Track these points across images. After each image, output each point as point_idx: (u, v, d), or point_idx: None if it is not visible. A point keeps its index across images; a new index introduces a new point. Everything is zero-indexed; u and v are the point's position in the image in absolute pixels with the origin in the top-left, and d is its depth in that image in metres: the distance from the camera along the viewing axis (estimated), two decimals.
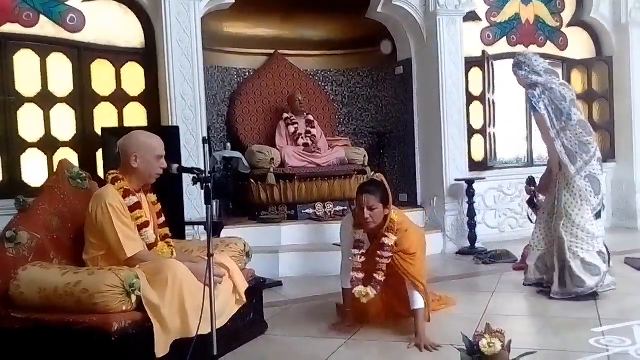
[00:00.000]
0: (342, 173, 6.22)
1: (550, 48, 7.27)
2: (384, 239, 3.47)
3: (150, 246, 3.12)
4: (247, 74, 6.92)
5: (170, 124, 5.14)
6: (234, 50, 6.82)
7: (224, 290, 3.13)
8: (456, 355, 2.64)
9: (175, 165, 3.06)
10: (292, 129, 6.49)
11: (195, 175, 2.74)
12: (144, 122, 5.38)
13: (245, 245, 3.66)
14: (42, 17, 5.01)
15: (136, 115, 5.42)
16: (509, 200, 6.88)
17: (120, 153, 3.16)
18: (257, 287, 3.70)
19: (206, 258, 2.69)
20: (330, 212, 6.04)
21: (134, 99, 5.43)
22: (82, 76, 5.20)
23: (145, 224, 3.10)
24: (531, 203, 5.24)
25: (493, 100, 6.72)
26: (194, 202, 5.14)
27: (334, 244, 5.27)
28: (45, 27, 5.04)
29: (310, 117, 6.63)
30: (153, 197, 3.31)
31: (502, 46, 6.99)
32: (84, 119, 5.21)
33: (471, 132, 6.60)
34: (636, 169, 7.24)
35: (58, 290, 2.76)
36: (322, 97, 7.08)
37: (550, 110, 4.15)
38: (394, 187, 6.93)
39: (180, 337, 2.79)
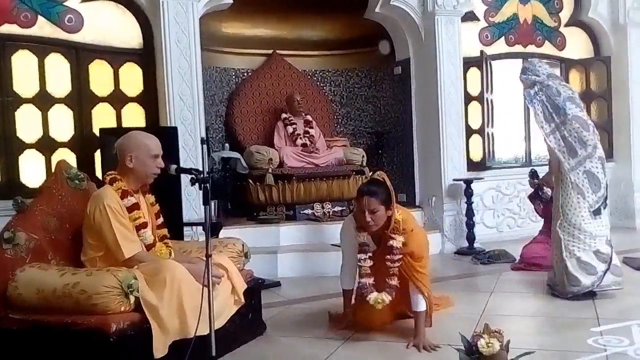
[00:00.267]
0: (341, 173, 6.23)
1: (548, 48, 7.27)
2: (391, 241, 3.35)
3: (149, 247, 3.12)
4: (246, 74, 6.93)
5: (168, 125, 5.13)
6: (232, 50, 6.82)
7: (222, 290, 3.13)
8: (455, 355, 2.64)
9: (174, 166, 3.06)
10: (290, 129, 6.49)
11: (193, 176, 2.74)
12: (142, 123, 5.37)
13: (243, 246, 3.66)
14: (40, 18, 5.00)
15: (134, 115, 5.42)
16: (507, 200, 6.88)
17: (117, 154, 3.16)
18: (256, 288, 3.70)
19: (204, 259, 2.68)
20: (328, 212, 6.04)
21: (132, 99, 5.43)
22: (80, 77, 5.19)
23: (144, 225, 3.10)
24: (536, 196, 5.25)
25: (491, 100, 6.73)
26: (192, 202, 5.14)
27: (332, 245, 5.27)
28: (43, 28, 5.03)
29: (309, 118, 6.63)
30: (151, 198, 3.31)
31: (500, 46, 7.00)
32: (82, 120, 5.21)
33: (469, 132, 6.60)
34: (634, 169, 7.25)
35: (56, 291, 2.76)
36: (321, 97, 7.08)
37: (548, 106, 4.21)
38: (393, 187, 6.95)
39: (179, 337, 2.79)
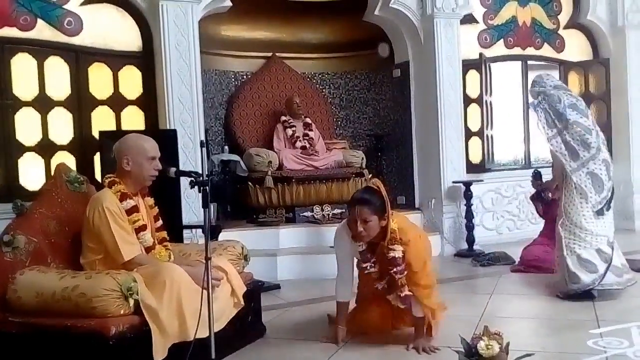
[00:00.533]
0: (340, 176, 6.22)
1: (547, 50, 7.29)
2: (391, 252, 3.23)
3: (148, 249, 3.13)
4: (245, 77, 6.93)
5: (167, 128, 5.13)
6: (231, 53, 6.82)
7: (222, 293, 3.13)
8: (454, 357, 2.65)
9: (173, 169, 3.07)
10: (289, 131, 6.49)
11: (192, 179, 2.74)
12: (141, 126, 5.37)
13: (243, 248, 3.66)
14: (39, 21, 5.00)
15: (134, 118, 5.42)
16: (507, 202, 6.89)
17: (115, 157, 3.16)
18: (255, 290, 3.70)
19: (204, 261, 2.69)
20: (328, 214, 6.04)
21: (131, 102, 5.42)
22: (79, 80, 5.19)
23: (143, 228, 3.10)
24: (538, 197, 5.25)
25: (490, 103, 6.74)
26: (192, 205, 5.13)
27: (331, 247, 5.25)
28: (42, 31, 5.03)
29: (308, 120, 6.63)
30: (150, 201, 3.31)
31: (499, 49, 7.00)
32: (82, 123, 5.20)
33: (468, 134, 6.61)
34: (633, 170, 7.26)
35: (56, 294, 2.76)
36: (320, 99, 7.09)
37: (550, 113, 4.34)
38: (392, 190, 6.96)
39: (178, 340, 2.79)
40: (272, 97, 6.83)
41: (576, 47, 7.47)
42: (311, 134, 6.54)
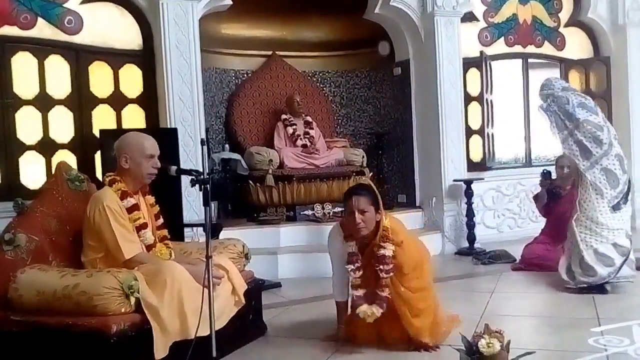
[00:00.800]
0: (341, 174, 6.22)
1: (547, 48, 7.28)
2: (381, 250, 3.18)
3: (149, 247, 3.13)
4: (245, 75, 6.93)
5: (168, 126, 5.13)
6: (232, 51, 6.82)
7: (222, 291, 3.13)
8: (455, 355, 2.65)
9: (174, 167, 3.07)
10: (290, 130, 6.49)
11: (193, 177, 2.75)
12: (142, 124, 5.37)
13: (244, 247, 3.66)
14: (39, 20, 5.00)
15: (134, 117, 5.42)
16: (508, 201, 6.88)
17: (115, 155, 3.16)
18: (256, 289, 3.70)
19: (205, 260, 2.69)
20: (329, 213, 6.03)
21: (132, 101, 5.42)
22: (80, 78, 5.19)
23: (144, 226, 3.10)
24: (550, 194, 5.25)
25: (491, 101, 6.74)
26: (193, 203, 5.14)
27: None
28: (43, 30, 5.03)
29: (309, 119, 6.63)
30: (151, 199, 3.31)
31: (499, 47, 7.00)
32: (82, 121, 5.20)
33: (469, 132, 6.60)
34: (634, 169, 7.23)
35: (57, 292, 2.77)
36: (321, 98, 7.08)
37: (560, 115, 4.45)
38: (393, 188, 6.97)
39: (179, 339, 2.80)
40: (272, 95, 6.83)
41: (577, 45, 7.46)
42: (312, 132, 6.54)
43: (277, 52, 6.98)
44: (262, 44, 6.94)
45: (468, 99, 6.59)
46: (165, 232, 3.34)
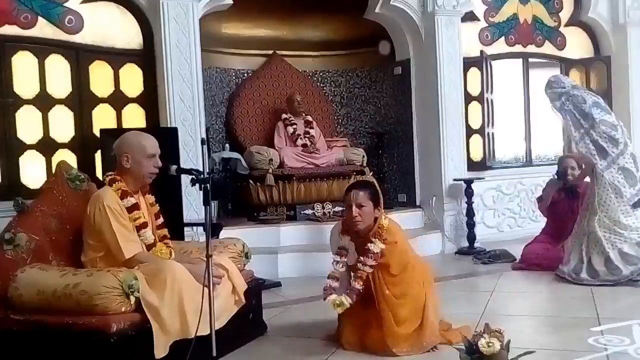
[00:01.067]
0: (341, 173, 6.22)
1: (548, 48, 7.28)
2: (369, 244, 3.20)
3: (149, 247, 3.12)
4: (246, 75, 6.93)
5: (168, 125, 5.13)
6: (232, 51, 6.82)
7: (223, 291, 3.13)
8: (455, 355, 2.64)
9: (174, 167, 3.07)
10: (290, 129, 6.49)
11: (193, 176, 2.75)
12: (142, 124, 5.37)
13: (244, 246, 3.65)
14: (40, 19, 5.00)
15: (135, 116, 5.42)
16: (508, 200, 6.88)
17: (115, 154, 3.16)
18: (256, 288, 3.70)
19: (205, 259, 2.69)
20: (329, 212, 6.03)
21: (132, 100, 5.42)
22: (80, 78, 5.19)
23: (144, 225, 3.10)
24: (568, 192, 5.21)
25: (491, 100, 6.73)
26: (193, 203, 5.14)
27: None
28: (43, 29, 5.03)
29: (309, 118, 6.63)
30: (151, 198, 3.31)
31: (500, 46, 7.00)
32: (83, 121, 5.20)
33: (469, 132, 6.60)
34: None
35: (57, 292, 2.76)
36: (321, 97, 7.08)
37: (575, 114, 4.51)
38: (393, 188, 6.97)
39: (180, 338, 2.80)
40: (273, 95, 6.83)
41: (577, 45, 7.45)
42: (312, 131, 6.54)
43: (277, 52, 6.98)
44: (263, 43, 6.94)
45: (468, 98, 6.59)
46: (165, 231, 3.34)
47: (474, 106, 6.65)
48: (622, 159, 4.42)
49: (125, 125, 5.30)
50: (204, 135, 5.30)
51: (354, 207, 3.20)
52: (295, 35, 7.10)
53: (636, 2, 7.18)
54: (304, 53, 7.18)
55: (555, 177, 5.30)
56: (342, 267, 3.32)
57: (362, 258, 3.22)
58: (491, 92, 6.72)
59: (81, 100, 5.21)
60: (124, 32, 5.40)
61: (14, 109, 4.93)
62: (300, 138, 6.46)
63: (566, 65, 7.39)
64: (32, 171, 4.99)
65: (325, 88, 7.25)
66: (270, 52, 6.97)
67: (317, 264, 5.23)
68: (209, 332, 2.68)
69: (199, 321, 2.70)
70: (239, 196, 6.23)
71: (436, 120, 6.28)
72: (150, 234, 3.15)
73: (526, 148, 7.24)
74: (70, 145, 5.16)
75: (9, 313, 2.85)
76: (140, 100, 5.44)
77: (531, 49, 7.17)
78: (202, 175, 2.76)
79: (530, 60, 7.20)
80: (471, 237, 6.16)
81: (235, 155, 6.18)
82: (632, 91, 7.22)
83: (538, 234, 5.50)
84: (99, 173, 4.94)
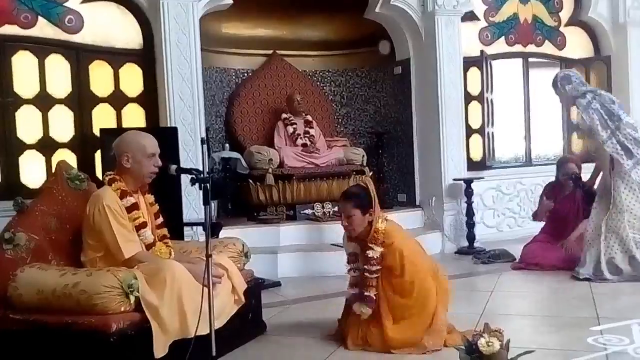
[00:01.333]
0: (341, 173, 6.23)
1: (548, 47, 7.27)
2: (368, 251, 3.26)
3: (149, 246, 3.12)
4: (246, 74, 6.92)
5: (168, 125, 5.13)
6: (232, 51, 6.82)
7: (222, 290, 3.13)
8: (455, 354, 2.65)
9: (174, 166, 3.07)
10: (290, 129, 6.49)
11: (193, 176, 2.75)
12: (142, 123, 5.37)
13: (243, 246, 3.66)
14: (40, 19, 5.00)
15: (134, 116, 5.42)
16: (508, 200, 6.88)
17: (115, 154, 3.16)
18: (256, 288, 3.70)
19: (204, 258, 2.69)
20: (328, 212, 6.04)
21: (132, 100, 5.43)
22: (80, 77, 5.19)
23: (143, 225, 3.10)
24: (588, 196, 5.18)
25: (491, 100, 6.73)
26: (193, 202, 5.14)
27: (332, 244, 5.28)
28: (43, 29, 5.03)
29: (309, 118, 6.63)
30: (151, 198, 3.31)
31: (500, 46, 7.00)
32: (83, 120, 5.21)
33: (469, 131, 6.60)
34: None
35: (56, 291, 2.76)
36: (321, 97, 7.08)
37: (602, 113, 4.52)
38: (393, 187, 6.97)
39: (179, 337, 2.80)
40: (272, 94, 6.83)
41: (577, 45, 7.45)
42: (312, 131, 6.54)
43: (277, 51, 6.98)
44: (263, 43, 6.94)
45: (468, 98, 6.59)
46: (165, 231, 3.34)
47: (474, 106, 6.65)
48: None
49: (125, 125, 5.30)
50: (203, 135, 5.30)
51: (343, 217, 3.32)
52: (295, 35, 7.10)
53: (636, 1, 7.18)
54: (304, 53, 7.18)
55: (571, 184, 5.26)
56: (355, 272, 3.39)
57: (366, 267, 3.28)
58: (491, 91, 6.72)
59: (81, 100, 5.21)
60: (124, 31, 5.40)
61: (14, 108, 4.94)
62: (300, 138, 6.46)
63: (566, 65, 7.36)
64: (32, 171, 4.99)
65: (325, 88, 7.25)
66: (270, 51, 6.97)
67: (317, 264, 5.25)
68: (208, 331, 2.68)
69: (199, 321, 2.71)
70: (238, 196, 6.23)
71: (436, 120, 6.28)
72: (150, 234, 3.15)
73: (526, 148, 7.24)
74: (70, 145, 5.16)
75: (9, 312, 2.85)
76: (140, 100, 5.45)
77: (531, 48, 7.17)
78: (201, 175, 2.76)
79: (530, 60, 7.19)
80: (471, 237, 6.16)
81: (235, 154, 6.18)
82: (632, 91, 7.21)
83: (537, 234, 5.50)
84: (98, 173, 4.94)
